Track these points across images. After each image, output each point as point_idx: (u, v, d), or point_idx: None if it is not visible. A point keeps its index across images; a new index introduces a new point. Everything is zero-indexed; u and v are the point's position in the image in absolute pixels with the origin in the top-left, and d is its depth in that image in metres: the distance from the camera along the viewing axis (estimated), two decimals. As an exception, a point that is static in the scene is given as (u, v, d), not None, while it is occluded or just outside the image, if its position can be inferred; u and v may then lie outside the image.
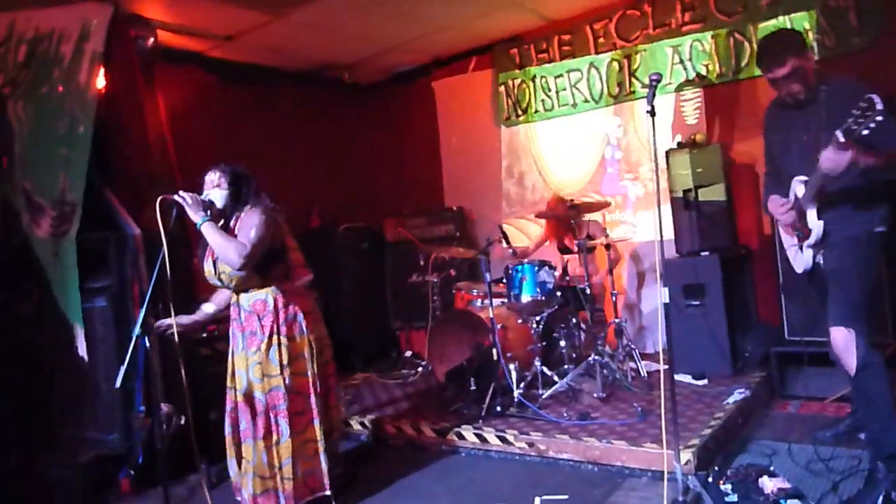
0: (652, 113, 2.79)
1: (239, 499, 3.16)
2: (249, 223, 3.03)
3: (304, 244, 3.48)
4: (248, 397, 3.08)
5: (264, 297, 3.10)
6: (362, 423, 4.35)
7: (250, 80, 5.98)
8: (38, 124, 4.11)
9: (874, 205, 2.87)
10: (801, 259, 3.13)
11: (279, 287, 3.13)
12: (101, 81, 4.00)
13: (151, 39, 4.60)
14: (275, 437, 3.08)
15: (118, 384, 2.56)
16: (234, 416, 3.14)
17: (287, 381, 3.07)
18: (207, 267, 3.14)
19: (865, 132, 2.38)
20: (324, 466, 3.17)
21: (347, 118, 6.90)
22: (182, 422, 3.67)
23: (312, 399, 3.15)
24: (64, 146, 3.95)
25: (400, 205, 6.68)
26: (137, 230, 3.84)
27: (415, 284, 6.04)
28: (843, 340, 2.75)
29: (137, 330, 2.63)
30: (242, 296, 3.13)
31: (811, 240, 2.95)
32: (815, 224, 2.90)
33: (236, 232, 3.06)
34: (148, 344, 2.65)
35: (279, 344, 3.07)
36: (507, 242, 4.49)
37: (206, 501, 3.16)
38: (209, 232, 2.96)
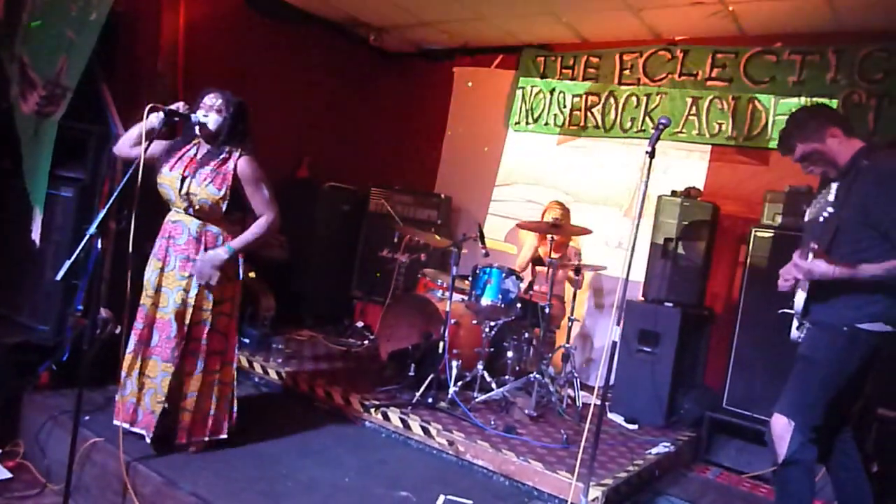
0: (651, 154, 2.79)
1: (117, 422, 3.08)
2: (254, 177, 3.10)
3: (286, 192, 3.49)
4: (175, 316, 3.05)
5: (217, 231, 3.12)
6: (292, 377, 4.33)
7: (279, 15, 5.88)
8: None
9: (867, 298, 2.64)
10: (794, 327, 2.98)
11: (231, 229, 3.16)
12: (125, -25, 3.91)
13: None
14: (188, 369, 3.12)
15: (59, 277, 2.50)
16: (145, 332, 3.08)
17: (213, 319, 3.11)
18: (170, 176, 3.08)
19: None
20: (231, 411, 3.28)
21: (362, 80, 6.84)
22: (117, 331, 3.63)
23: (233, 341, 3.23)
24: (72, 29, 3.86)
25: (390, 178, 6.65)
26: (122, 131, 3.76)
27: (384, 259, 6.01)
28: (780, 428, 2.71)
29: (93, 228, 2.57)
30: (193, 220, 3.10)
31: (795, 309, 2.90)
32: (799, 297, 2.82)
33: (240, 181, 3.09)
34: (100, 246, 2.59)
35: (219, 280, 3.09)
36: (483, 243, 4.48)
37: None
38: (239, 249, 3.10)
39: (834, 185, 2.76)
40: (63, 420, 3.40)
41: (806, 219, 2.92)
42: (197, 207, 3.06)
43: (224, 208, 3.06)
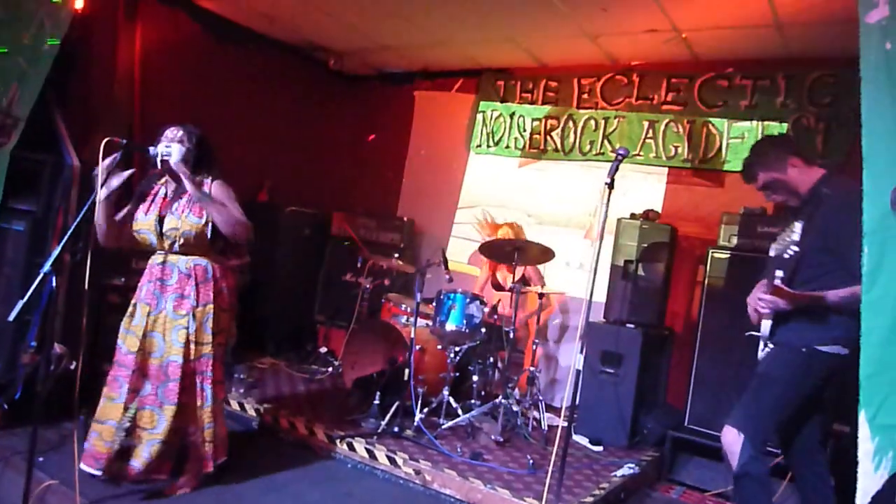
0: (610, 186, 2.85)
1: (87, 467, 2.97)
2: (230, 196, 3.10)
3: (247, 216, 3.43)
4: (181, 357, 3.01)
5: (205, 264, 3.10)
6: (256, 410, 4.27)
7: (235, 40, 5.84)
8: (2, 25, 3.93)
9: (830, 322, 2.71)
10: (760, 349, 3.03)
11: (219, 260, 3.16)
12: (79, 3, 3.86)
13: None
14: (199, 402, 3.10)
15: (12, 317, 2.43)
16: (135, 380, 3.00)
17: (214, 350, 3.10)
18: (147, 221, 3.04)
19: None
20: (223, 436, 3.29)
21: (322, 103, 6.83)
22: (72, 366, 3.54)
23: (220, 371, 3.21)
24: (24, 57, 3.78)
25: (352, 202, 6.65)
26: (77, 162, 3.69)
27: (347, 283, 6.00)
28: (730, 440, 2.77)
29: (47, 266, 2.51)
30: (180, 258, 3.06)
31: (762, 334, 2.95)
32: (765, 324, 2.90)
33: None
34: (55, 284, 2.53)
35: (215, 312, 3.08)
36: (447, 268, 4.49)
37: (73, 453, 3.03)
38: (214, 205, 3.01)
39: (798, 225, 2.82)
40: (16, 461, 3.28)
41: (772, 254, 2.98)
42: (182, 242, 3.03)
43: (209, 235, 3.04)
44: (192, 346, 3.05)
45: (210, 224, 3.03)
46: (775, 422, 2.82)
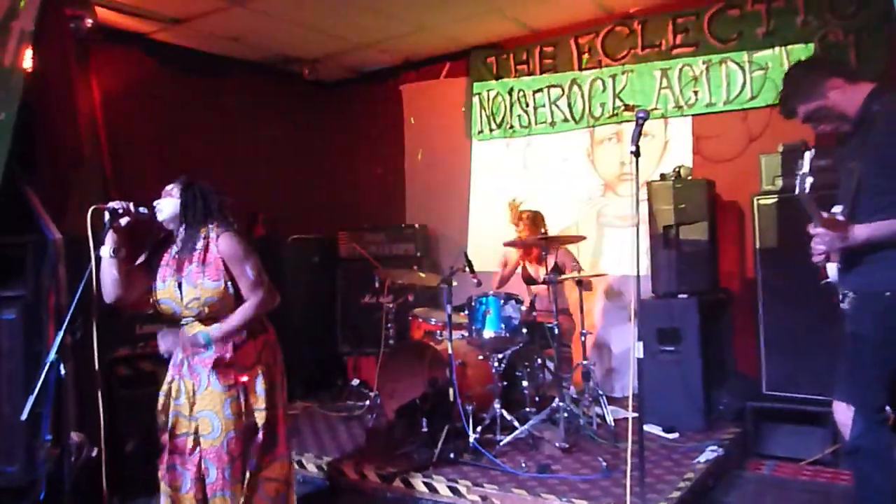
0: (636, 153, 2.80)
1: None
2: (236, 255, 2.94)
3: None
4: (222, 441, 2.89)
5: None
6: (299, 462, 4.28)
7: (198, 68, 5.89)
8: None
9: None
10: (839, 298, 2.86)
11: None
12: (28, 63, 3.86)
13: (89, 20, 4.49)
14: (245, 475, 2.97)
15: (24, 416, 2.44)
16: (195, 470, 2.90)
17: (269, 413, 2.99)
18: (165, 289, 2.97)
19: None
20: None
21: (304, 118, 6.86)
22: (94, 453, 3.54)
23: (282, 433, 3.08)
24: (-20, 134, 3.80)
25: (356, 218, 6.67)
26: (58, 234, 3.69)
27: (368, 307, 6.00)
28: (841, 415, 2.66)
29: (53, 355, 2.52)
30: (210, 325, 2.98)
31: (832, 278, 2.84)
32: (831, 268, 2.79)
33: (220, 260, 2.95)
34: (63, 371, 2.54)
35: (262, 373, 2.99)
36: (472, 271, 4.47)
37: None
38: (224, 334, 2.93)
39: (808, 155, 2.66)
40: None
41: (796, 193, 2.89)
42: (207, 311, 2.93)
43: (233, 296, 2.93)
44: (241, 417, 2.94)
45: (230, 285, 2.93)
46: (884, 384, 2.63)
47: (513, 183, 6.10)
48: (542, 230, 4.90)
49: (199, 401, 2.92)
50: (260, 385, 2.98)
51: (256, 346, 3.01)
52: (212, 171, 5.31)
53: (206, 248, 2.96)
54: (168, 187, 3.04)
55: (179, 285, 2.93)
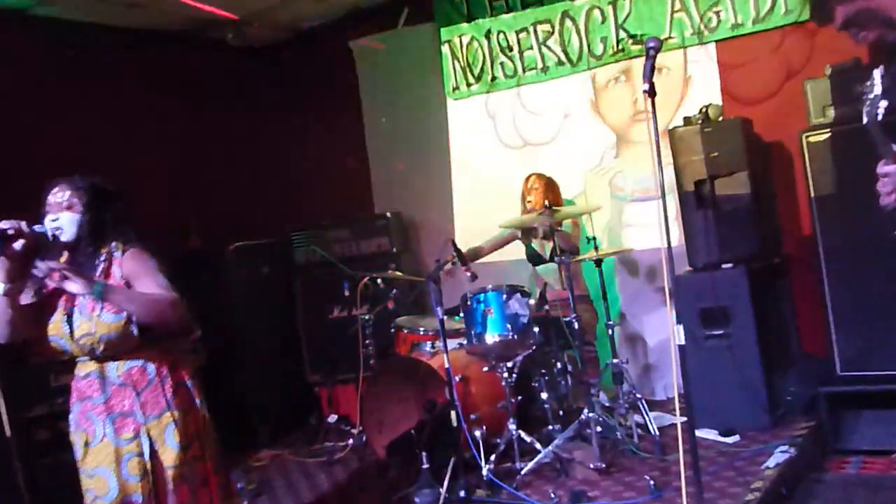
0: (651, 92, 2.86)
1: None
2: (144, 269, 2.96)
3: (178, 274, 3.42)
4: (142, 492, 2.92)
5: (142, 362, 2.99)
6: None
7: (93, 46, 5.87)
8: None
9: None
10: None
11: (161, 348, 3.04)
12: None
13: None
14: None
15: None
16: None
17: (186, 470, 2.98)
18: (52, 323, 3.00)
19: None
20: None
21: (233, 96, 6.89)
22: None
23: (215, 490, 3.08)
24: None
25: (313, 213, 6.71)
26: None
27: (338, 322, 6.03)
28: None
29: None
30: (108, 365, 3.02)
31: None
32: None
33: (122, 279, 2.96)
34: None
35: (174, 422, 2.98)
36: (464, 263, 4.52)
37: None
38: (119, 296, 2.88)
39: (877, 73, 2.71)
40: None
41: (865, 121, 2.93)
42: (103, 348, 2.93)
43: (135, 331, 2.92)
44: (155, 476, 2.95)
45: (133, 318, 2.93)
46: None
47: (502, 149, 6.17)
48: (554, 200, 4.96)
49: (98, 455, 2.94)
50: (172, 437, 2.99)
51: (165, 389, 3.00)
52: (122, 173, 5.31)
53: (106, 272, 2.97)
54: (58, 196, 2.99)
55: (69, 317, 2.92)
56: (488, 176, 6.25)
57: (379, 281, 5.34)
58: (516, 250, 5.49)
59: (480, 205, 6.22)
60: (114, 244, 3.00)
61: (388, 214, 6.30)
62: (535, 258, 5.23)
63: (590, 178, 5.89)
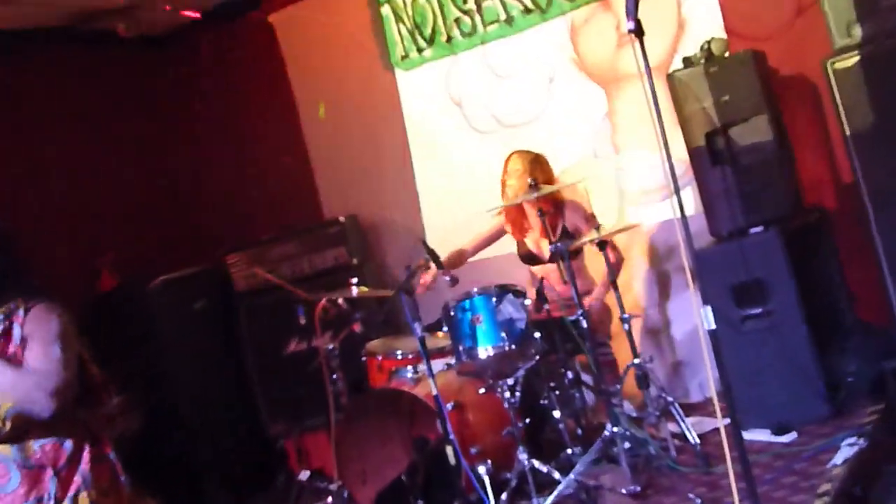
0: (637, 31, 2.85)
1: None
2: (42, 333, 2.93)
3: (93, 325, 3.40)
4: None
5: (55, 440, 3.00)
6: None
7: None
8: None
9: None
10: None
11: (77, 420, 3.05)
12: None
13: None
14: None
15: None
16: None
17: None
18: None
19: None
20: None
21: (137, 99, 6.88)
22: None
23: None
24: None
25: (249, 229, 6.70)
26: None
27: (296, 357, 6.00)
28: None
29: None
30: (12, 448, 3.00)
31: None
32: None
33: (16, 347, 2.95)
34: None
35: (98, 496, 3.01)
36: (440, 266, 4.50)
37: None
38: None
39: None
40: None
41: None
42: (7, 427, 2.93)
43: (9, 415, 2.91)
44: None
45: None
46: None
47: (471, 131, 6.20)
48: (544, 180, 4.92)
49: None
50: None
51: (83, 465, 3.03)
52: (9, 208, 5.28)
53: (7, 334, 2.97)
54: None
55: None
56: (459, 160, 6.27)
57: (340, 301, 5.28)
58: (503, 243, 5.47)
59: (452, 197, 6.24)
60: (14, 305, 2.98)
61: (342, 219, 6.28)
62: (529, 259, 5.22)
63: (585, 145, 5.91)
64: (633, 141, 5.72)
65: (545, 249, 4.94)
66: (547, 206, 4.83)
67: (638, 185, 5.74)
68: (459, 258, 5.30)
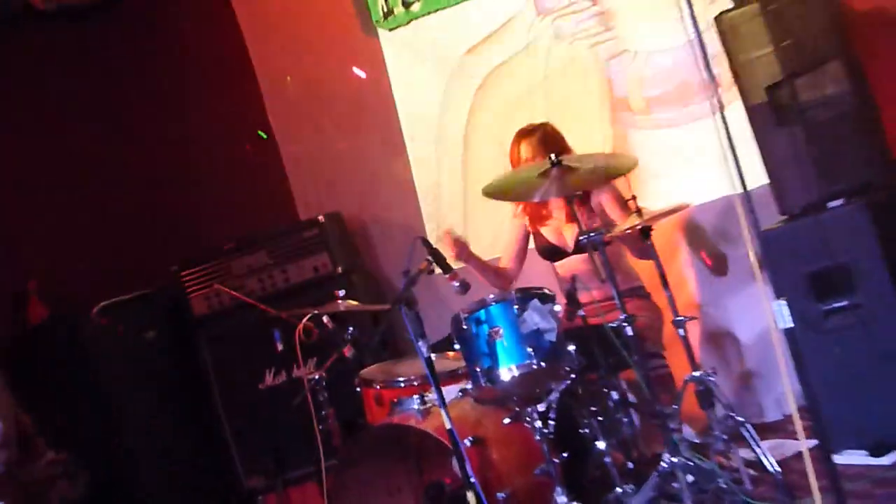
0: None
1: None
2: None
3: (20, 360, 3.41)
4: None
5: None
6: None
7: None
8: None
9: None
10: None
11: (11, 480, 3.09)
12: None
13: None
14: None
15: None
16: None
17: None
18: None
19: None
20: None
21: (59, 82, 6.89)
22: None
23: None
24: None
25: (207, 236, 6.74)
26: None
27: (275, 392, 6.01)
28: None
29: None
30: None
31: None
32: None
33: None
34: None
35: None
36: (446, 269, 4.48)
37: None
38: None
39: None
40: None
41: None
42: None
43: None
44: None
45: None
46: None
47: (470, 95, 6.21)
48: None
49: None
50: None
51: None
52: None
53: None
54: None
55: None
56: (452, 130, 6.33)
57: (325, 319, 5.28)
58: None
59: (456, 184, 6.31)
60: None
61: (321, 219, 6.27)
62: (550, 252, 5.25)
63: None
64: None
65: (569, 239, 4.94)
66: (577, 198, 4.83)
67: (676, 159, 5.76)
68: (501, 280, 5.33)
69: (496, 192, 4.78)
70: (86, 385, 5.85)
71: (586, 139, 5.78)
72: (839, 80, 4.72)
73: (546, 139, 5.15)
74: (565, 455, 4.47)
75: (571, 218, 4.82)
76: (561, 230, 5.09)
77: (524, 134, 5.22)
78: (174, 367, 6.40)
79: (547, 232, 5.19)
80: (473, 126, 6.26)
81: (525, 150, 5.16)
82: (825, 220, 4.65)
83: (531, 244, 5.35)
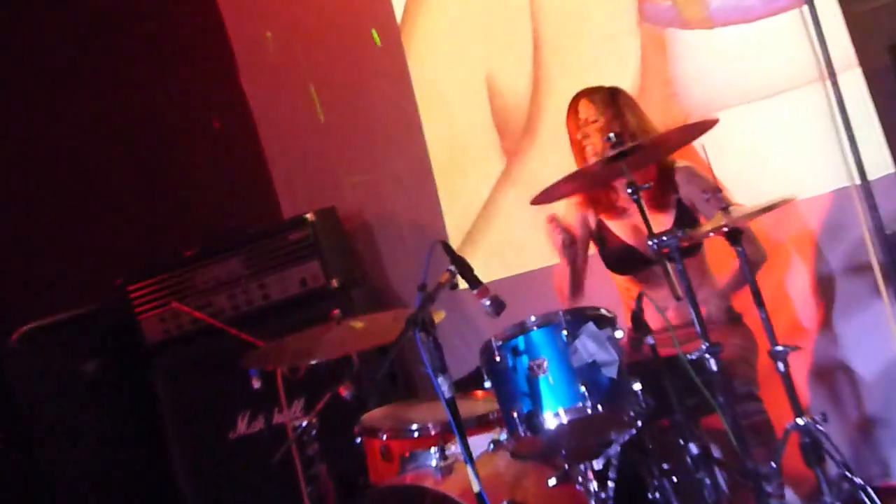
0: None
1: None
2: None
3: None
4: None
5: None
6: None
7: None
8: None
9: None
10: None
11: None
12: None
13: None
14: None
15: None
16: None
17: None
18: None
19: None
20: None
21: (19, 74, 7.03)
22: None
23: None
24: None
25: (164, 240, 6.73)
26: None
27: (250, 442, 5.93)
28: None
29: None
30: None
31: None
32: None
33: None
34: None
35: None
36: (473, 284, 4.39)
37: None
38: None
39: None
40: None
41: None
42: None
43: None
44: None
45: None
46: None
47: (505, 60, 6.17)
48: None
49: None
50: None
51: None
52: None
53: None
54: None
55: None
56: (475, 118, 6.32)
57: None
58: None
59: (482, 176, 6.25)
60: None
61: (310, 217, 6.21)
62: (622, 262, 5.23)
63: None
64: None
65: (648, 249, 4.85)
66: (647, 174, 4.77)
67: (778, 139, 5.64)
68: (576, 285, 5.24)
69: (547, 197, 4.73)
70: (4, 429, 5.83)
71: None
72: None
73: (611, 101, 5.19)
74: (631, 527, 4.34)
75: (656, 207, 4.76)
76: (640, 227, 4.96)
77: (587, 96, 5.23)
78: (119, 411, 6.37)
79: (619, 230, 5.09)
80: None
81: (585, 108, 5.17)
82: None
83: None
